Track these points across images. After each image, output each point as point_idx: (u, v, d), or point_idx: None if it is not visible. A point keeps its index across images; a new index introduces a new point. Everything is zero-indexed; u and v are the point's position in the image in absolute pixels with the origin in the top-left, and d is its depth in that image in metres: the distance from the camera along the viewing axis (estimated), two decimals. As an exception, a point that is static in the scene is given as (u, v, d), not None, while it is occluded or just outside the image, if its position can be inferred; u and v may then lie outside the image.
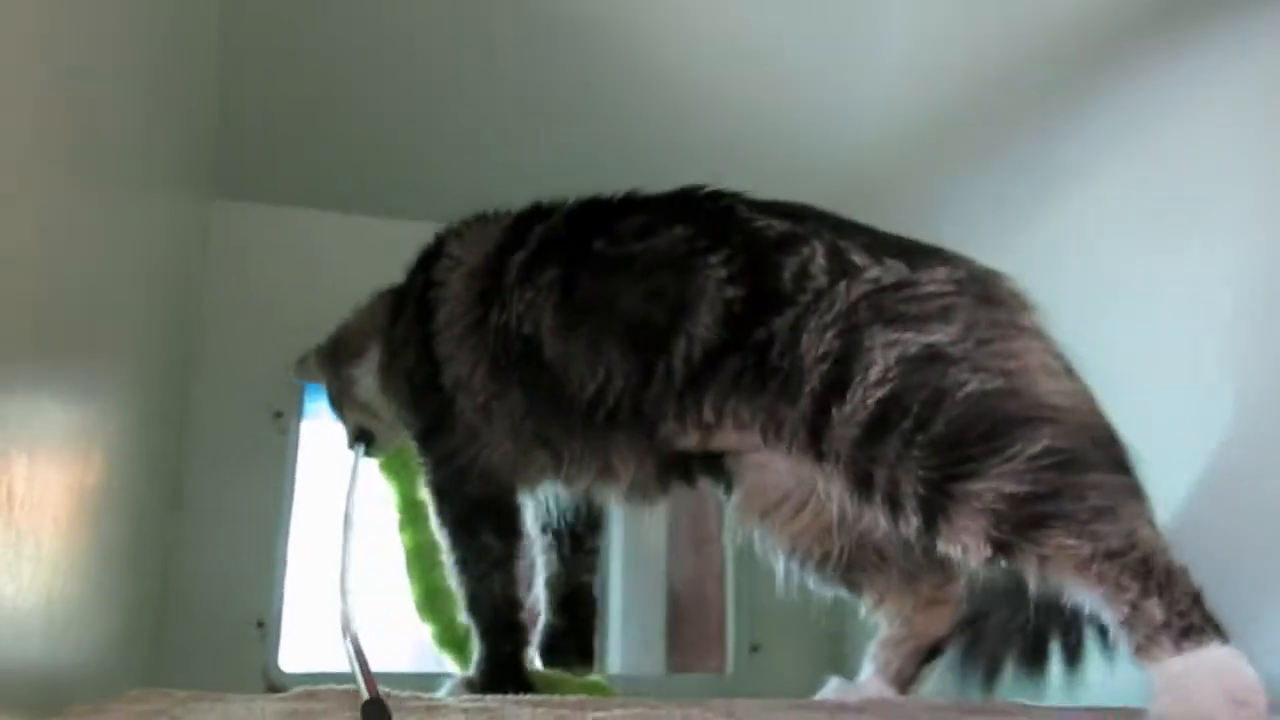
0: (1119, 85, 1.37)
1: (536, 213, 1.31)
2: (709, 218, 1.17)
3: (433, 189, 1.70)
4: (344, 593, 0.98)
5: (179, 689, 0.93)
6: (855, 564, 1.22)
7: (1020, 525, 0.91)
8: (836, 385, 1.02)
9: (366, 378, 1.44)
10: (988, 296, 1.06)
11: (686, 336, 1.10)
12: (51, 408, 0.91)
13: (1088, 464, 0.94)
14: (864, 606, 1.24)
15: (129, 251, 1.18)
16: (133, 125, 1.13)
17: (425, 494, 1.36)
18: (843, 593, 1.24)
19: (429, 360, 1.30)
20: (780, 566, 1.23)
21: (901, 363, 0.99)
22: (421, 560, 1.42)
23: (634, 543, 1.92)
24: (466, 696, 0.95)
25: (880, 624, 1.23)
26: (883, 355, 1.00)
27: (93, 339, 1.05)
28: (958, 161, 1.61)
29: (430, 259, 1.38)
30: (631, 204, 1.24)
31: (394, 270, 1.73)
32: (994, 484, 0.93)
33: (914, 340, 1.00)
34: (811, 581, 1.24)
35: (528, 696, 0.95)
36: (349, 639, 0.86)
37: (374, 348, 1.44)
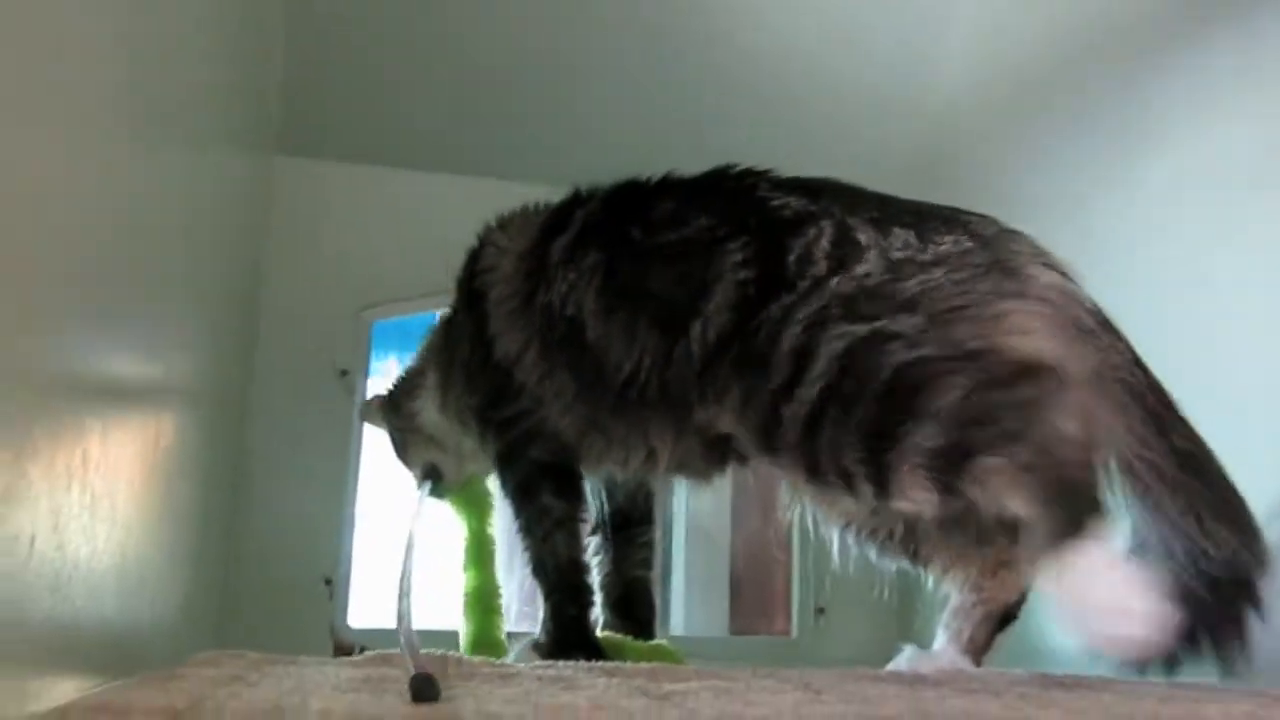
0: (1213, 40, 1.31)
1: (577, 199, 1.33)
2: (732, 200, 1.19)
3: (500, 145, 1.68)
4: (402, 594, 0.99)
5: (249, 649, 0.93)
6: (915, 534, 1.21)
7: (950, 464, 0.97)
8: (790, 385, 1.05)
9: (426, 404, 1.45)
10: (995, 262, 1.04)
11: (703, 319, 1.12)
12: (123, 370, 0.91)
13: (1007, 391, 0.97)
14: (930, 578, 1.23)
15: (194, 211, 1.18)
16: (197, 82, 1.12)
17: (493, 469, 1.36)
18: (905, 564, 1.23)
19: (483, 342, 1.32)
20: (836, 541, 1.23)
21: (842, 355, 1.02)
22: (480, 603, 1.40)
23: (698, 505, 1.91)
24: (539, 663, 0.94)
25: (950, 592, 1.21)
26: (828, 349, 1.03)
27: (160, 299, 1.05)
28: (1038, 123, 1.55)
29: (476, 253, 1.40)
30: (666, 187, 1.26)
31: (459, 226, 1.72)
32: (916, 442, 0.98)
33: (864, 329, 1.02)
34: (872, 554, 1.23)
35: (601, 664, 0.94)
36: (403, 635, 0.86)
37: (429, 374, 1.46)
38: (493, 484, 1.43)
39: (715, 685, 0.77)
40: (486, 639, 1.38)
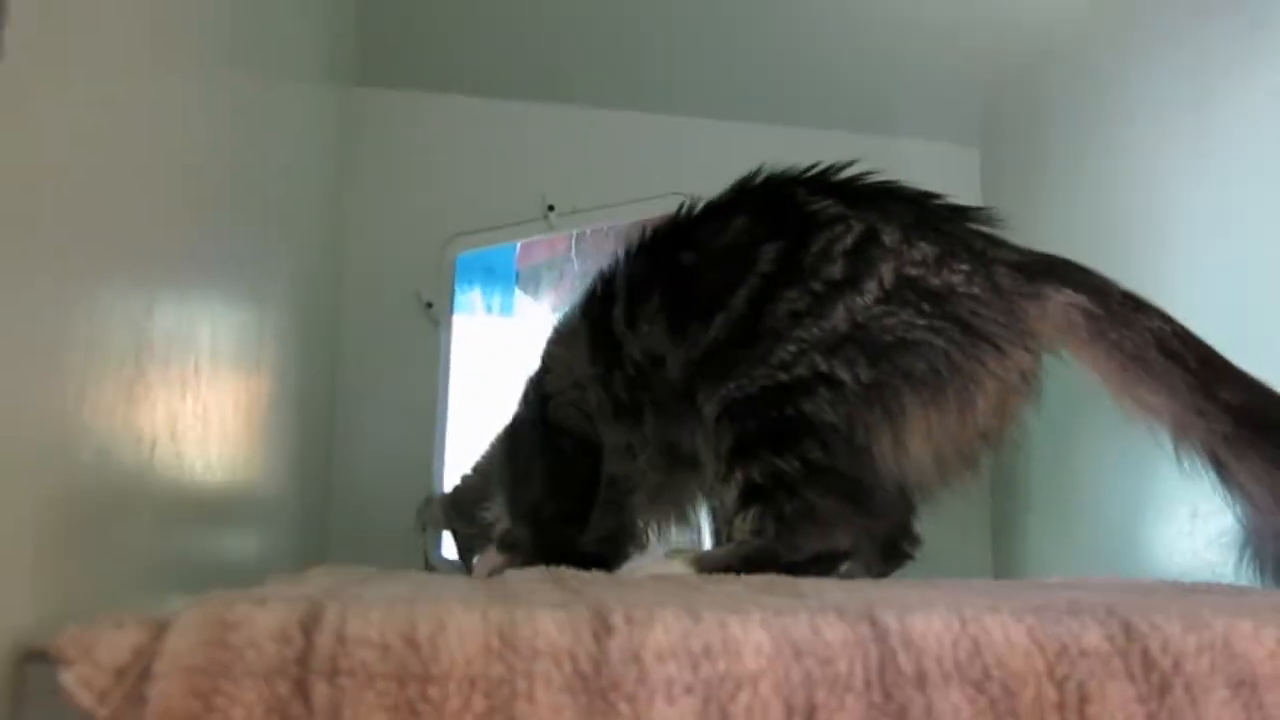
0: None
1: (602, 275, 1.35)
2: (769, 206, 1.21)
3: (586, 74, 1.65)
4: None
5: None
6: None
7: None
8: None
9: (499, 512, 1.44)
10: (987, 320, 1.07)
11: (726, 310, 1.16)
12: (225, 290, 0.90)
13: None
14: None
15: (279, 142, 1.16)
16: (279, 15, 1.11)
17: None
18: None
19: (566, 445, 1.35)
20: None
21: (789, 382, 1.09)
22: None
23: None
24: (655, 572, 0.93)
25: None
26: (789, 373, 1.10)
27: (254, 230, 1.04)
28: (1143, 31, 1.47)
29: (539, 376, 1.42)
30: (707, 211, 1.27)
31: (544, 156, 1.70)
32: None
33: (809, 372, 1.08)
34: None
35: (717, 575, 0.93)
36: None
37: (495, 489, 1.45)
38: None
39: (837, 585, 0.75)
40: None
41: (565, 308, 1.43)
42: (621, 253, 1.33)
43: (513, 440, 1.44)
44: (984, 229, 1.15)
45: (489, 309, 1.90)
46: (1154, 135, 1.37)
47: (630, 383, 1.26)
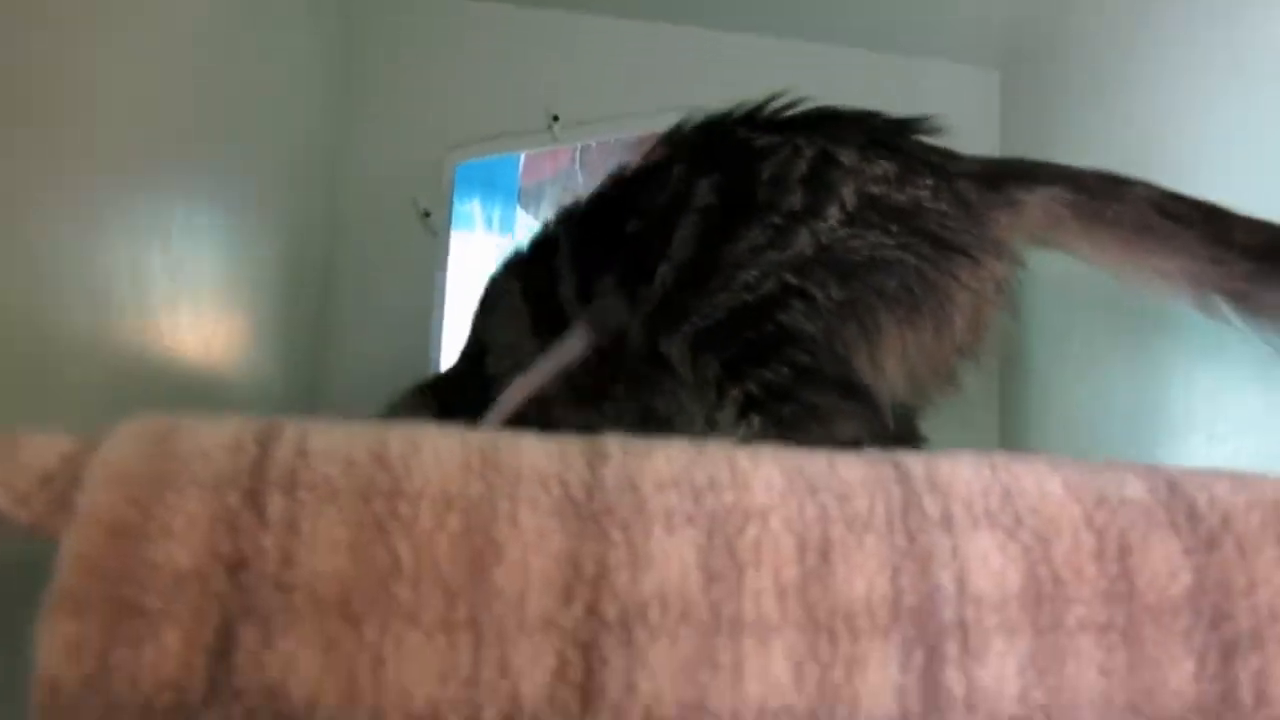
0: None
1: (538, 249, 1.25)
2: (707, 148, 1.12)
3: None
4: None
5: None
6: None
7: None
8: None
9: None
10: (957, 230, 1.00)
11: (668, 260, 1.06)
12: (200, 179, 0.85)
13: None
14: None
15: (273, 43, 1.11)
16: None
17: None
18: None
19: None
20: None
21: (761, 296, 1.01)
22: None
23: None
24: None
25: None
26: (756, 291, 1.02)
27: (243, 131, 0.99)
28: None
29: (477, 353, 1.31)
30: (645, 172, 1.17)
31: (552, 64, 1.64)
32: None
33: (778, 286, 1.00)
34: None
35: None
36: None
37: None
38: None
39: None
40: None
41: (491, 277, 1.32)
42: (555, 224, 1.25)
43: (450, 406, 1.36)
44: (932, 141, 1.09)
45: (489, 224, 1.84)
46: (1183, 56, 1.30)
47: (593, 368, 1.20)
